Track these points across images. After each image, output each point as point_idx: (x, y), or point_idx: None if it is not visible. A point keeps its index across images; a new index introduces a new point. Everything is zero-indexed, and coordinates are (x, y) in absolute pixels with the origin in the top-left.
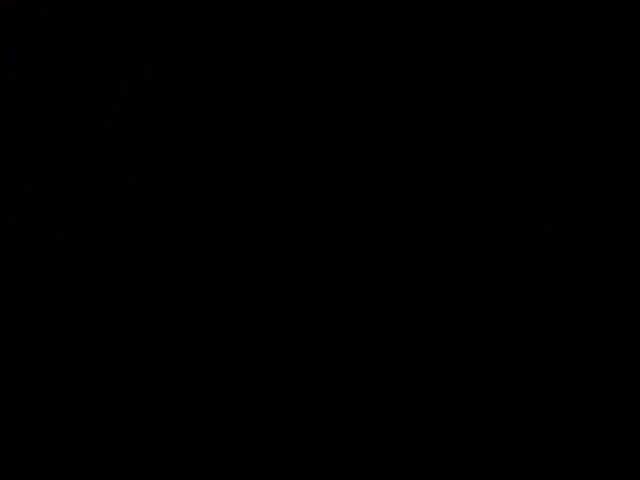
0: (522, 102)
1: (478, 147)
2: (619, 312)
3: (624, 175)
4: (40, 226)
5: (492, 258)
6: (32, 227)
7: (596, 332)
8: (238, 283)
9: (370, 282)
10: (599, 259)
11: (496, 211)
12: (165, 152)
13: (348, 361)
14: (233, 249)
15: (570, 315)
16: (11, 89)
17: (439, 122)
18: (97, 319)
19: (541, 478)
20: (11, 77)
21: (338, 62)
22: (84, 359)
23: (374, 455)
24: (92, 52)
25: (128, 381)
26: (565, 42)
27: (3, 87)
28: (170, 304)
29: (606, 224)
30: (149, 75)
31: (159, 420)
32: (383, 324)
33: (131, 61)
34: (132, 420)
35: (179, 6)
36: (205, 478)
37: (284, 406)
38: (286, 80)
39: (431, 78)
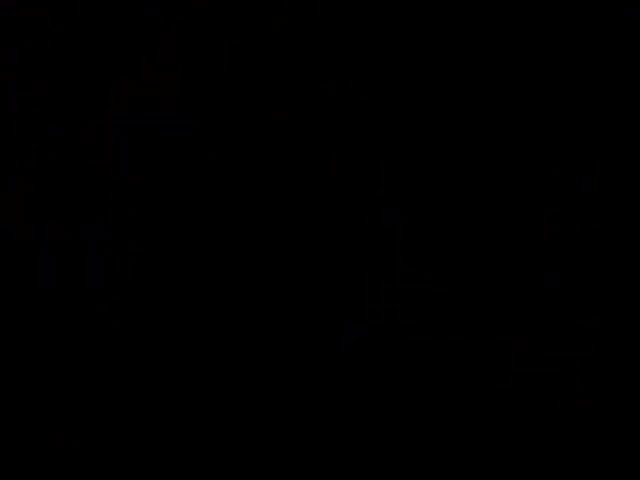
0: (522, 102)
1: (478, 147)
2: (619, 312)
3: (624, 175)
4: (40, 226)
5: (492, 258)
6: (32, 227)
7: (596, 332)
8: (238, 283)
9: (370, 282)
10: (599, 259)
11: (496, 211)
12: (165, 152)
13: (348, 361)
14: (233, 249)
15: (570, 315)
16: (11, 89)
17: (439, 122)
18: (97, 319)
19: (541, 478)
20: (11, 77)
21: (338, 62)
22: (84, 359)
23: (374, 455)
24: (92, 52)
25: (128, 381)
26: (565, 42)
27: (3, 87)
28: (170, 304)
29: (606, 224)
30: (149, 75)
31: (159, 420)
32: (383, 324)
33: (131, 61)
34: (132, 420)
35: (179, 6)
36: (205, 478)
37: (284, 406)
38: (286, 80)
39: (431, 78)
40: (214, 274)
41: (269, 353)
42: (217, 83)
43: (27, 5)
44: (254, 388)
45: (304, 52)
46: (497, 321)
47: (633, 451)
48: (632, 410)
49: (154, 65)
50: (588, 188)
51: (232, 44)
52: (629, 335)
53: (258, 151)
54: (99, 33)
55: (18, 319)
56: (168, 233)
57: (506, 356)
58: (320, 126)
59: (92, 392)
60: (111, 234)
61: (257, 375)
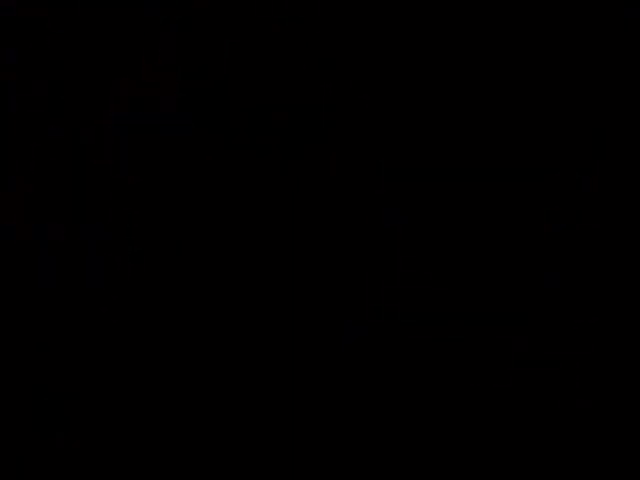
0: (522, 102)
1: (478, 147)
2: (619, 312)
3: (624, 175)
4: (40, 226)
5: (492, 258)
6: (32, 227)
7: (596, 332)
8: (238, 283)
9: (370, 282)
10: (599, 259)
11: (496, 211)
12: (165, 152)
13: (348, 361)
14: (233, 249)
15: (570, 315)
16: (11, 89)
17: (439, 122)
18: (97, 319)
19: (541, 478)
20: (11, 77)
21: (338, 62)
22: (84, 359)
23: (374, 455)
24: (92, 52)
25: (128, 381)
26: (565, 42)
27: (3, 87)
28: (170, 304)
29: (606, 224)
30: (149, 75)
31: (159, 420)
32: (383, 324)
33: (131, 61)
34: (132, 420)
35: (179, 6)
36: (205, 478)
37: (284, 406)
38: (286, 80)
39: (431, 78)
40: (214, 274)
41: (269, 353)
42: (217, 83)
43: (27, 5)
44: (254, 388)
45: (304, 52)
46: (497, 321)
47: (633, 451)
48: (632, 410)
49: (154, 65)
50: (588, 188)
51: (232, 44)
52: (629, 335)
53: (258, 151)
54: (99, 33)
55: (18, 319)
56: (168, 233)
57: (506, 356)
58: (320, 126)
59: (92, 392)
60: (111, 234)
61: (257, 375)
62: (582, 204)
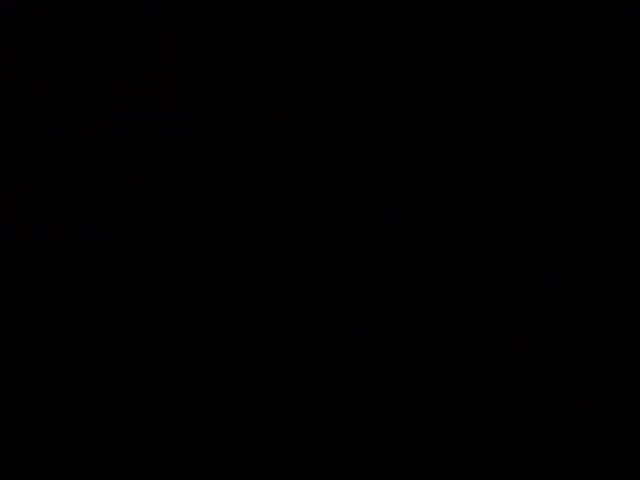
0: (522, 102)
1: (478, 147)
2: (619, 312)
3: (624, 175)
4: (40, 226)
5: (492, 258)
6: (32, 227)
7: (596, 332)
8: (238, 283)
9: (370, 282)
10: (599, 259)
11: (496, 211)
12: (165, 152)
13: (348, 361)
14: (233, 249)
15: (570, 315)
16: (11, 89)
17: (439, 122)
18: (97, 319)
19: (541, 478)
20: (11, 77)
21: (338, 62)
22: (84, 359)
23: (374, 455)
24: (92, 52)
25: (128, 381)
26: (565, 42)
27: (3, 87)
28: (170, 304)
29: (606, 224)
30: (149, 75)
31: (159, 420)
32: (383, 324)
33: (131, 61)
34: (132, 420)
35: (179, 6)
36: (205, 478)
37: (284, 406)
38: (286, 80)
39: (431, 78)
40: (214, 274)
41: (269, 353)
42: (217, 83)
43: (27, 5)
44: (254, 388)
45: (304, 52)
46: (497, 321)
47: (633, 451)
48: (632, 410)
49: (154, 65)
50: (588, 188)
51: (232, 44)
52: (629, 335)
53: (258, 151)
54: (99, 33)
55: (18, 319)
56: (168, 233)
57: (506, 356)
58: (320, 126)
59: (92, 392)
60: (111, 234)
61: (257, 375)
62: (582, 204)
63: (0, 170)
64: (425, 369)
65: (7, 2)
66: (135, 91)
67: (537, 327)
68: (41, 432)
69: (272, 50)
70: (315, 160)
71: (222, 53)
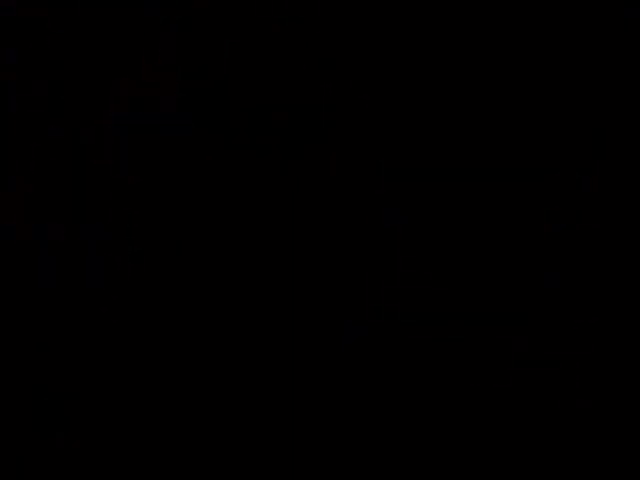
0: (522, 102)
1: (478, 147)
2: (619, 312)
3: (624, 175)
4: (40, 226)
5: (492, 258)
6: (32, 227)
7: (596, 332)
8: (238, 283)
9: (370, 282)
10: (599, 259)
11: (496, 211)
12: (165, 152)
13: (348, 361)
14: (233, 249)
15: (570, 315)
16: (11, 89)
17: (439, 122)
18: (97, 319)
19: (541, 478)
20: (11, 77)
21: (338, 62)
22: (84, 359)
23: (374, 455)
24: (92, 52)
25: (128, 381)
26: (565, 42)
27: (3, 87)
28: (170, 304)
29: (606, 224)
30: (149, 75)
31: (159, 420)
32: (383, 324)
33: (131, 61)
34: (132, 420)
35: (179, 6)
36: (205, 478)
37: (284, 406)
38: (286, 80)
39: (431, 78)
40: (214, 274)
41: (269, 353)
42: (217, 83)
43: (27, 5)
44: (254, 388)
45: (304, 52)
46: (497, 321)
47: (633, 451)
48: (632, 410)
49: (154, 65)
50: (588, 188)
51: (232, 44)
52: (629, 335)
53: (258, 151)
54: (99, 33)
55: (18, 319)
56: (168, 233)
57: (506, 356)
58: (320, 126)
59: (92, 392)
60: (111, 234)
61: (257, 375)
62: (582, 204)
63: (0, 170)
64: (425, 369)
65: (7, 2)
66: (135, 91)
67: (537, 327)
68: (41, 432)
69: (272, 50)
70: (315, 160)
71: (222, 53)
